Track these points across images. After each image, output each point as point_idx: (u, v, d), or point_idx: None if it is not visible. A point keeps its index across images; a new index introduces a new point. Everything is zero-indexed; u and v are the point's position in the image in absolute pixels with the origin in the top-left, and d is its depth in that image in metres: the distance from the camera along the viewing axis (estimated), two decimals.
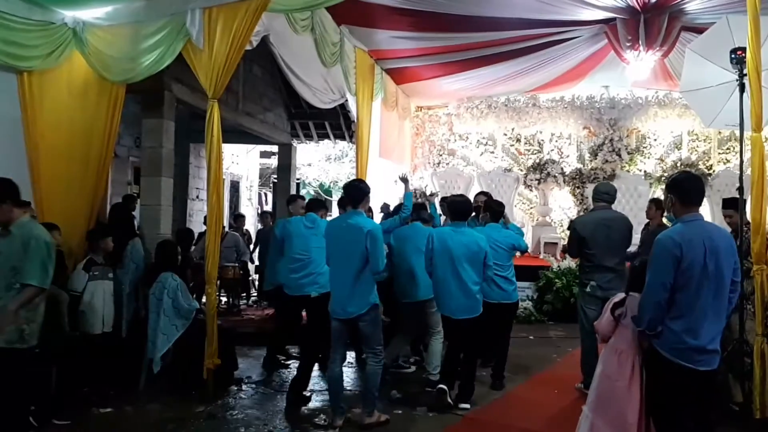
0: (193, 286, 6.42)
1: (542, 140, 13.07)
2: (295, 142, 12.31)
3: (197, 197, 11.92)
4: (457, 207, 5.45)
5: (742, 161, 5.02)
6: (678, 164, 12.12)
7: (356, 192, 4.82)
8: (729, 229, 5.14)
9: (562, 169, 12.20)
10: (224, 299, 8.99)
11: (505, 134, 13.20)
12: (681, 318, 3.27)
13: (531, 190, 12.48)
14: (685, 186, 3.46)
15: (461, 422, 5.02)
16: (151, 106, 6.58)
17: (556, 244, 11.34)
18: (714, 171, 11.99)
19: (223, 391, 5.49)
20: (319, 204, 6.03)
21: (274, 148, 13.52)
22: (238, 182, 14.56)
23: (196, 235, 7.94)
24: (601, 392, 3.71)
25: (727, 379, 4.98)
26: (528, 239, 11.88)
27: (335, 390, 4.78)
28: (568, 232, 12.13)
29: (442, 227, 5.96)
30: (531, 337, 8.24)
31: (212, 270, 5.34)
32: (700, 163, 12.24)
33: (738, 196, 5.02)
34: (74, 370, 5.09)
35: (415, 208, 6.08)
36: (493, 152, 13.23)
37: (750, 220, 4.82)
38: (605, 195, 5.76)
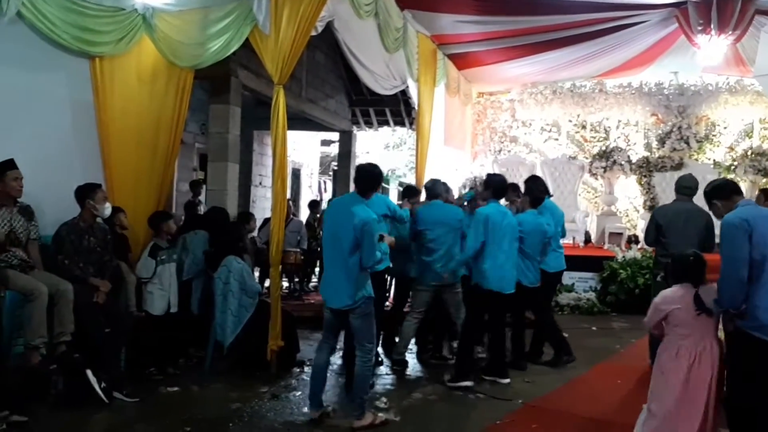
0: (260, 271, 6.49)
1: (608, 127, 12.67)
2: (355, 129, 12.31)
3: (260, 183, 12.10)
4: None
5: None
6: (748, 153, 11.54)
7: (367, 177, 4.44)
8: None
9: (628, 157, 11.78)
10: (285, 284, 9.09)
11: (570, 121, 12.85)
12: (759, 295, 3.36)
13: (596, 179, 12.13)
14: (721, 186, 3.79)
15: (522, 409, 4.95)
16: (218, 91, 6.68)
17: (621, 234, 11.02)
18: None
19: (285, 373, 5.54)
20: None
21: (334, 136, 13.59)
22: (299, 169, 14.72)
23: (259, 221, 8.02)
24: (654, 386, 3.75)
25: None
26: (592, 229, 11.66)
27: (317, 380, 4.49)
28: (635, 222, 11.92)
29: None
30: (594, 328, 8.06)
31: (276, 254, 5.39)
32: None
33: None
34: (142, 349, 5.23)
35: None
36: (557, 139, 12.90)
37: None
38: (686, 189, 5.85)
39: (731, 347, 3.57)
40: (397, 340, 6.23)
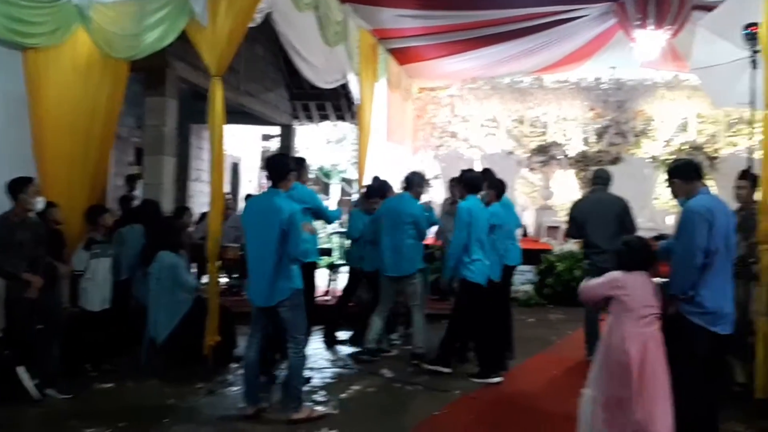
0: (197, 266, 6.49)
1: (546, 122, 13.03)
2: (295, 124, 12.33)
3: (198, 178, 11.98)
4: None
5: (751, 137, 5.06)
6: (685, 147, 12.11)
7: (275, 167, 4.52)
8: (737, 203, 5.22)
9: (566, 151, 12.21)
10: (224, 280, 9.05)
11: (509, 116, 13.17)
12: (708, 283, 3.60)
13: (534, 173, 12.49)
14: (685, 166, 3.93)
15: (459, 400, 5.10)
16: (154, 84, 6.64)
17: (558, 227, 11.37)
18: (720, 155, 11.97)
19: (223, 368, 5.58)
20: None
21: (274, 130, 13.54)
22: (238, 164, 14.62)
23: (198, 216, 7.98)
24: (603, 374, 3.68)
25: (730, 360, 5.07)
26: (530, 223, 11.95)
27: (249, 376, 4.53)
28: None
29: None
30: (531, 320, 8.32)
31: (213, 248, 5.40)
32: (706, 146, 12.23)
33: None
34: (75, 345, 5.19)
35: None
36: (495, 134, 13.20)
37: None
38: (598, 179, 6.28)
39: (668, 332, 3.69)
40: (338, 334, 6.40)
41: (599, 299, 3.73)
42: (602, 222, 5.90)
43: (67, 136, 5.64)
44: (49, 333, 4.87)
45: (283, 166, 4.57)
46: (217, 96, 5.35)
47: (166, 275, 5.49)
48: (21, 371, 4.54)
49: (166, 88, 6.57)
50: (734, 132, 12.30)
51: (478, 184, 5.80)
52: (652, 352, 3.53)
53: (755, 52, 4.90)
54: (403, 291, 6.11)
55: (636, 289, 3.57)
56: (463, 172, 6.16)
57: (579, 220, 6.16)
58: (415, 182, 6.21)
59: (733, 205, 5.04)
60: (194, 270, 7.69)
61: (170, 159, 6.65)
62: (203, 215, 8.15)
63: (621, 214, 6.03)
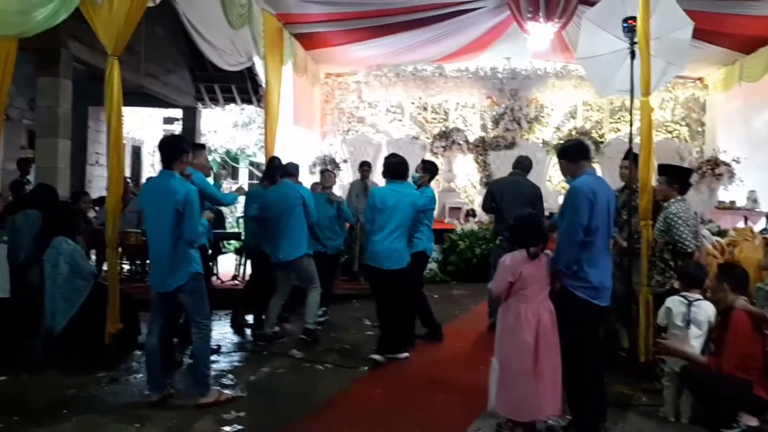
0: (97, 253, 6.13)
1: (448, 109, 13.29)
2: (200, 106, 11.91)
3: (97, 162, 11.33)
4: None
5: (632, 123, 5.33)
6: (573, 133, 12.64)
7: (166, 148, 4.33)
8: (621, 182, 5.46)
9: (466, 137, 12.47)
10: (127, 266, 8.67)
11: (413, 103, 13.32)
12: (590, 260, 3.73)
13: (437, 158, 12.63)
14: (573, 147, 4.07)
15: (368, 375, 5.10)
16: (46, 64, 6.16)
17: (460, 208, 11.65)
18: (606, 139, 12.59)
19: (126, 356, 5.33)
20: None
21: (178, 114, 13.02)
22: (140, 147, 13.97)
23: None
24: (504, 345, 3.83)
25: (616, 327, 5.32)
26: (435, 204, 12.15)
27: (151, 363, 4.35)
28: (472, 197, 12.61)
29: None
30: (436, 296, 8.38)
31: (112, 233, 5.12)
32: (593, 131, 12.83)
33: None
34: None
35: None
36: (401, 120, 13.31)
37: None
38: (519, 164, 6.67)
39: (557, 305, 3.84)
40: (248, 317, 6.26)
41: (506, 288, 3.80)
42: (516, 202, 6.09)
43: None
44: None
45: (175, 147, 4.37)
46: (115, 77, 5.05)
47: (63, 262, 5.13)
48: None
49: (60, 68, 6.11)
50: (617, 119, 12.98)
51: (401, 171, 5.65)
52: (545, 326, 3.71)
53: (633, 43, 5.12)
54: (297, 275, 6.01)
55: (526, 268, 3.74)
56: (386, 159, 6.09)
57: (496, 195, 6.47)
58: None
59: (618, 185, 5.28)
60: (94, 257, 7.32)
61: (65, 142, 6.20)
62: (102, 199, 7.70)
63: (533, 200, 6.32)
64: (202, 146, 6.10)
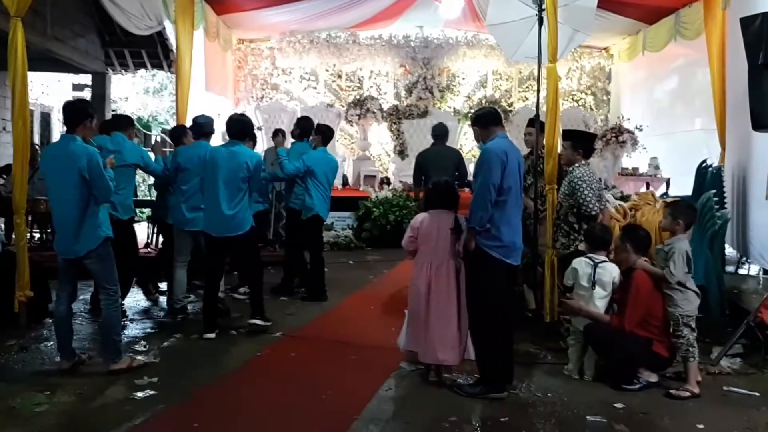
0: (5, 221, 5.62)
1: (362, 77, 13.11)
2: (109, 72, 11.20)
3: (4, 129, 10.44)
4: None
5: (539, 89, 5.33)
6: (483, 101, 12.72)
7: (74, 113, 4.14)
8: (526, 148, 5.46)
9: (380, 105, 12.31)
10: (37, 235, 8.16)
11: (327, 70, 13.05)
12: (503, 219, 3.82)
13: (352, 126, 12.48)
14: (484, 114, 4.15)
15: (281, 340, 5.05)
16: None
17: (375, 176, 11.54)
18: (514, 108, 12.76)
19: (37, 324, 5.09)
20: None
21: (87, 80, 12.22)
22: (49, 114, 13.03)
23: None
24: (409, 293, 4.27)
25: (522, 289, 5.36)
26: (349, 172, 12.07)
27: (61, 330, 4.22)
28: (386, 165, 12.49)
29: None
30: (350, 262, 8.47)
31: (20, 200, 4.86)
32: (502, 100, 12.99)
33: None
34: None
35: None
36: (315, 88, 13.02)
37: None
38: (437, 135, 6.86)
39: (470, 264, 3.95)
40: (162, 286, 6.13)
41: (414, 244, 4.17)
42: (442, 170, 6.15)
43: None
44: None
45: (79, 111, 4.18)
46: (18, 39, 4.74)
47: None
48: None
49: None
50: (525, 87, 13.21)
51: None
52: (439, 279, 4.03)
53: (542, 10, 5.08)
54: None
55: (427, 226, 4.09)
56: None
57: (423, 167, 6.56)
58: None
59: (524, 151, 5.25)
60: (3, 225, 6.80)
61: None
62: (9, 167, 7.08)
63: (457, 164, 6.66)
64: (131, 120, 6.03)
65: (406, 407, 3.76)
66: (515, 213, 3.94)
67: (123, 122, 5.72)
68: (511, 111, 12.58)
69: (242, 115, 5.68)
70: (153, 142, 6.23)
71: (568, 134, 4.95)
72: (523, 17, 5.41)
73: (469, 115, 12.50)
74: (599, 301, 4.19)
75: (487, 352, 3.91)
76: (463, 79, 13.20)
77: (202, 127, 5.69)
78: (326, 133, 6.34)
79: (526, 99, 12.98)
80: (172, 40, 8.38)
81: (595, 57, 13.29)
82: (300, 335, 5.18)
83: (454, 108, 12.86)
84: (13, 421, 3.42)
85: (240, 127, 5.24)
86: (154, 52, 11.34)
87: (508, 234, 3.84)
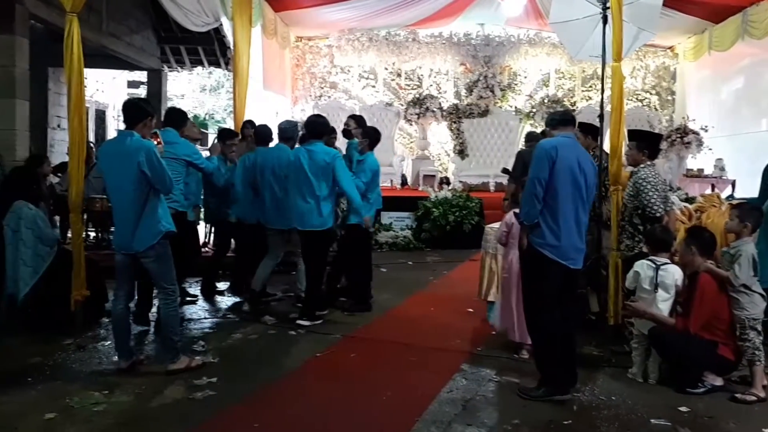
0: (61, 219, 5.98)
1: (422, 75, 13.16)
2: (165, 69, 11.60)
3: (59, 126, 10.98)
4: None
5: (603, 89, 5.34)
6: (545, 100, 12.64)
7: (134, 111, 4.20)
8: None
9: (440, 104, 12.35)
10: (93, 233, 8.48)
11: (386, 68, 13.15)
12: (556, 219, 3.80)
13: (411, 125, 12.58)
14: (551, 115, 4.28)
15: (341, 341, 5.09)
16: (1, 21, 5.88)
17: (434, 176, 11.65)
18: (577, 107, 12.59)
19: (93, 323, 5.20)
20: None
21: (143, 77, 12.67)
22: (104, 111, 13.60)
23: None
24: (504, 282, 4.79)
25: (586, 291, 5.38)
26: (408, 172, 12.17)
27: (119, 330, 4.31)
28: (446, 165, 12.56)
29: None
30: (410, 263, 8.49)
31: (76, 198, 4.98)
32: (565, 99, 12.87)
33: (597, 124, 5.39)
34: None
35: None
36: (374, 86, 13.15)
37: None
38: (532, 138, 6.97)
39: (525, 262, 4.04)
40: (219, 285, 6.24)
41: (506, 238, 4.70)
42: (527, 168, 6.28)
43: None
44: None
45: (139, 109, 4.22)
46: (74, 35, 4.85)
47: (24, 227, 4.98)
48: None
49: (15, 26, 5.84)
50: (589, 86, 13.05)
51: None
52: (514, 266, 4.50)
53: (606, 8, 5.11)
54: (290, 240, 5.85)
55: (515, 222, 4.37)
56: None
57: (528, 162, 6.42)
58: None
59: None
60: (59, 224, 7.16)
61: (23, 103, 5.95)
62: (63, 165, 7.49)
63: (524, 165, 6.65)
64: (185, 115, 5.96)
65: (468, 409, 3.75)
66: (572, 214, 3.85)
67: (175, 118, 5.55)
68: (574, 110, 12.49)
69: (319, 115, 5.89)
70: (213, 141, 6.47)
71: (633, 134, 4.94)
72: (587, 15, 5.44)
73: (532, 114, 12.58)
74: (662, 304, 4.18)
75: (543, 354, 3.94)
76: (525, 77, 13.14)
77: (285, 131, 5.92)
78: (373, 136, 6.12)
79: (590, 98, 12.79)
80: (229, 37, 8.52)
81: (659, 56, 13.08)
82: (359, 336, 5.21)
83: (516, 107, 12.84)
84: (71, 420, 3.49)
85: (317, 128, 5.53)
86: (211, 49, 11.60)
87: (565, 235, 3.81)
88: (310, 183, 5.32)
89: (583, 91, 13.11)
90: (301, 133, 5.84)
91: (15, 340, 4.81)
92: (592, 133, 5.37)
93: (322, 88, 13.06)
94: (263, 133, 6.00)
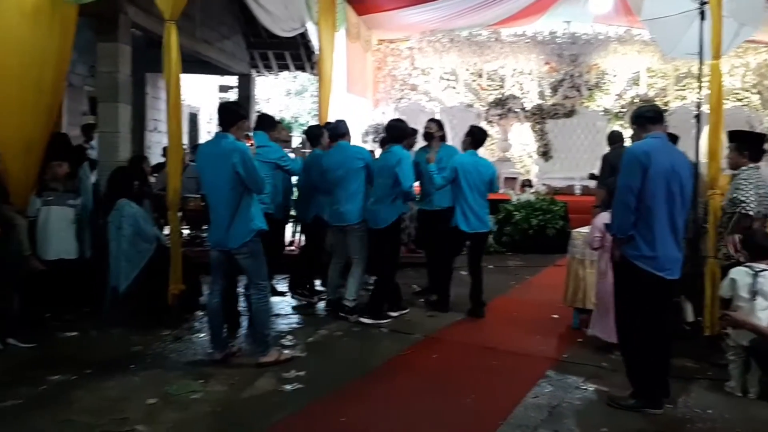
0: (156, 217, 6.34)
1: (504, 76, 13.12)
2: (254, 73, 12.06)
3: (155, 129, 11.66)
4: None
5: (700, 88, 5.19)
6: (636, 100, 12.32)
7: (229, 114, 4.46)
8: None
9: (522, 104, 12.28)
10: (187, 231, 8.92)
11: (467, 69, 13.19)
12: (651, 228, 3.65)
13: (492, 126, 12.53)
14: (635, 112, 4.02)
15: (423, 341, 5.19)
16: (106, 30, 6.34)
17: (516, 178, 11.57)
18: (670, 107, 12.21)
19: (189, 316, 5.55)
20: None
21: (232, 82, 13.24)
22: (196, 114, 14.30)
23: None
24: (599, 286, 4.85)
25: (680, 300, 5.25)
26: None
27: (214, 323, 4.56)
28: (528, 167, 12.43)
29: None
30: (490, 267, 8.39)
31: (173, 197, 5.30)
32: (657, 99, 12.48)
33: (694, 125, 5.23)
34: (36, 294, 5.05)
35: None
36: (455, 88, 13.21)
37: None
38: (616, 139, 7.22)
39: (617, 274, 3.92)
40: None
41: (599, 242, 4.70)
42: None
43: (15, 82, 5.33)
44: (7, 282, 4.73)
45: (232, 112, 4.49)
46: (173, 41, 5.18)
47: (126, 224, 5.36)
48: None
49: (118, 34, 6.27)
50: (683, 86, 12.63)
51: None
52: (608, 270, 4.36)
53: (704, 3, 4.97)
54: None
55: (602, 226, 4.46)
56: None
57: (615, 165, 6.05)
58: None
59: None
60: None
61: (126, 107, 6.40)
62: (158, 166, 7.96)
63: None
64: (278, 121, 6.36)
65: (554, 415, 3.73)
66: (667, 222, 3.68)
67: (266, 123, 5.94)
68: (666, 111, 12.11)
69: (399, 120, 6.05)
70: (298, 143, 6.76)
71: (733, 135, 4.78)
72: (682, 11, 5.30)
73: (621, 115, 12.30)
74: (761, 313, 3.99)
75: (636, 365, 3.84)
76: (614, 76, 12.87)
77: (336, 129, 6.04)
78: (477, 135, 6.16)
79: (684, 98, 12.41)
80: (314, 42, 8.82)
81: (761, 52, 12.47)
82: (441, 337, 5.28)
83: (604, 107, 12.59)
84: (171, 406, 3.75)
85: (396, 132, 5.77)
86: (296, 53, 12.01)
87: (660, 245, 3.65)
88: (380, 183, 5.54)
89: (676, 90, 12.71)
90: (381, 136, 6.03)
91: (120, 329, 5.20)
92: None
93: (403, 90, 13.24)
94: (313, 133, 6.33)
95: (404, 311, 5.86)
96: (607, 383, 4.19)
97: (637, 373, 3.85)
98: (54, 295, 5.27)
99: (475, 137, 6.10)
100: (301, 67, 12.54)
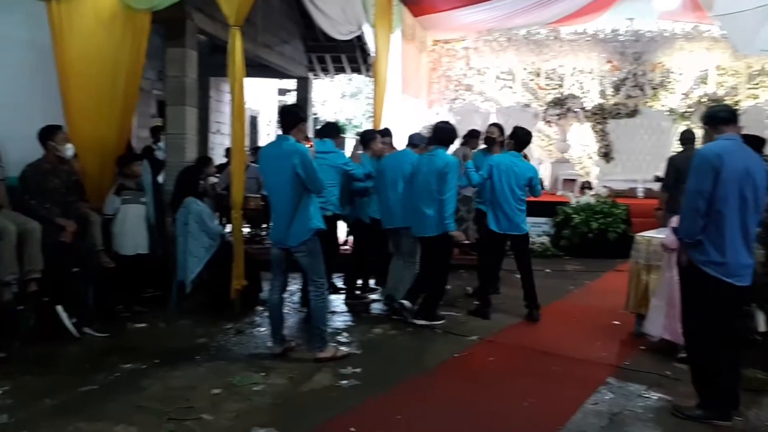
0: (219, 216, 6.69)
1: (563, 75, 12.97)
2: (311, 76, 12.36)
3: (218, 131, 12.12)
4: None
5: None
6: (704, 100, 12.01)
7: (289, 117, 4.66)
8: None
9: (582, 104, 12.16)
10: (247, 229, 9.23)
11: (525, 69, 13.10)
12: (721, 233, 3.57)
13: (550, 126, 12.47)
14: (706, 112, 3.91)
15: (479, 344, 5.27)
16: (175, 35, 6.67)
17: (575, 180, 11.45)
18: (741, 106, 11.80)
19: (249, 311, 5.82)
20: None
21: (290, 85, 13.55)
22: (256, 117, 14.74)
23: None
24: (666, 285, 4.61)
25: (752, 308, 5.13)
26: (546, 176, 11.95)
27: (274, 318, 4.77)
28: (588, 169, 12.27)
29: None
30: (547, 270, 8.38)
31: (237, 196, 5.54)
32: (726, 98, 12.07)
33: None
34: (110, 288, 5.42)
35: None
36: (511, 87, 13.16)
37: None
38: (687, 139, 6.74)
39: (685, 280, 3.89)
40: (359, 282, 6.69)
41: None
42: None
43: (92, 87, 5.74)
44: (84, 275, 5.11)
45: (293, 115, 4.69)
46: (237, 46, 5.40)
47: (192, 221, 5.68)
48: (60, 310, 4.78)
49: (186, 40, 6.60)
50: (755, 84, 12.21)
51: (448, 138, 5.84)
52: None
53: None
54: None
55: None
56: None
57: (682, 170, 5.88)
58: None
59: None
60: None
61: (192, 110, 6.72)
62: (221, 167, 8.31)
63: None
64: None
65: (615, 422, 3.73)
66: (738, 226, 3.59)
67: (332, 130, 6.30)
68: (737, 110, 11.77)
69: (446, 122, 6.13)
70: (354, 148, 6.95)
71: None
72: (759, 5, 5.21)
73: (687, 115, 12.01)
74: None
75: (702, 374, 3.77)
76: (680, 75, 12.53)
77: (412, 139, 6.33)
78: (520, 137, 6.05)
79: (756, 97, 12.03)
80: (370, 44, 8.93)
81: None
82: (497, 340, 5.33)
83: (669, 107, 12.33)
84: (234, 396, 3.98)
85: (443, 134, 5.80)
86: (353, 56, 12.22)
87: (730, 251, 3.56)
88: (428, 189, 5.56)
89: (748, 89, 12.29)
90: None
91: (186, 321, 5.53)
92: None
93: (457, 90, 13.27)
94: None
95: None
96: (671, 392, 4.15)
97: (704, 382, 3.78)
98: (131, 287, 5.67)
99: (519, 139, 6.06)
100: (357, 70, 12.74)
